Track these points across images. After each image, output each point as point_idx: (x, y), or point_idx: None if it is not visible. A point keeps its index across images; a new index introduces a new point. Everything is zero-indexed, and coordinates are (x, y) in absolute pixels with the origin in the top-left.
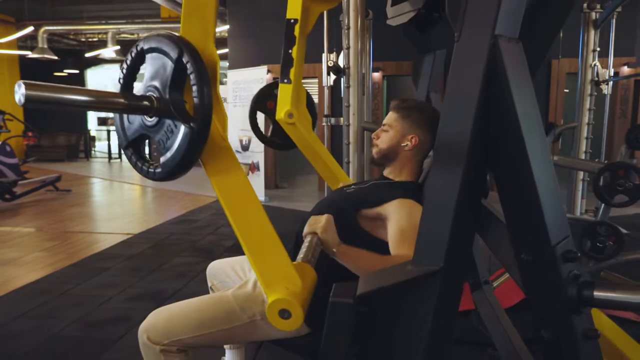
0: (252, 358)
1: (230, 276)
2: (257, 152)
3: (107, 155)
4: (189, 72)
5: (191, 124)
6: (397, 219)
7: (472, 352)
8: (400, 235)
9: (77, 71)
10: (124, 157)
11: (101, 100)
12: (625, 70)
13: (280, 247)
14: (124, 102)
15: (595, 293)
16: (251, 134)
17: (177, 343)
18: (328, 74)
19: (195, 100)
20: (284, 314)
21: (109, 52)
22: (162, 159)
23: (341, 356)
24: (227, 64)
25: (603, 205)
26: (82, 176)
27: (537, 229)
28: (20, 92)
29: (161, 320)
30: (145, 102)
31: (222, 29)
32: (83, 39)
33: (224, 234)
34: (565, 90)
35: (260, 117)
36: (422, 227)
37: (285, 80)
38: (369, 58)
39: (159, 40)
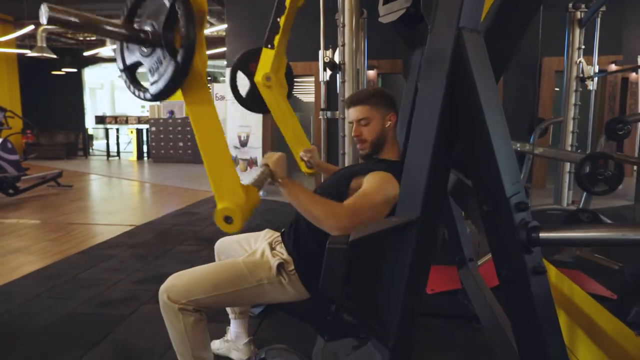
0: (255, 330)
1: (237, 251)
2: (256, 148)
3: (105, 154)
4: (179, 15)
5: (176, 57)
6: (366, 184)
7: (458, 325)
8: (357, 195)
9: (75, 70)
10: (122, 155)
11: (108, 29)
12: (613, 68)
13: (232, 170)
14: (125, 32)
15: (541, 234)
16: (250, 130)
17: (194, 303)
18: (324, 69)
19: (182, 39)
20: (228, 219)
21: (107, 50)
22: (150, 83)
23: (336, 293)
24: (225, 62)
25: (585, 193)
26: (82, 173)
27: (494, 184)
28: (44, 13)
29: (180, 281)
30: (142, 35)
31: (220, 27)
32: (81, 38)
33: None
34: (556, 89)
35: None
36: (402, 185)
37: (269, 46)
38: (363, 55)
39: None
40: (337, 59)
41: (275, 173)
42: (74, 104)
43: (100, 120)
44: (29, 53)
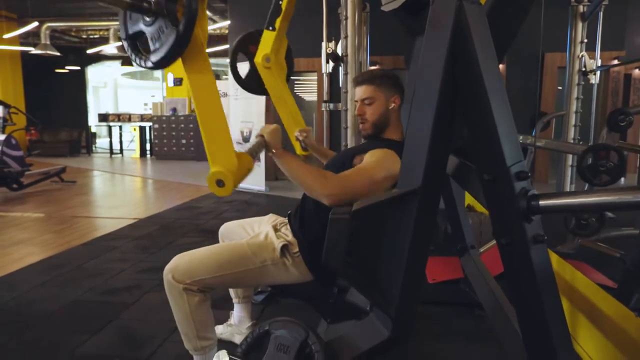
0: (258, 316)
1: (241, 235)
2: None
3: (108, 151)
4: None
5: (178, 27)
6: (365, 159)
7: (459, 312)
8: (354, 168)
9: (78, 67)
10: (125, 152)
11: None
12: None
13: (228, 137)
14: (128, 1)
15: (541, 202)
16: (252, 125)
17: (198, 283)
18: (327, 61)
19: (185, 9)
20: (220, 183)
21: (111, 48)
22: (152, 51)
23: (339, 263)
24: (228, 60)
25: (587, 185)
26: (85, 169)
27: (495, 152)
28: None
29: (184, 262)
30: (145, 4)
31: (223, 24)
32: (85, 36)
33: (228, 218)
34: (559, 88)
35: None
36: (404, 156)
37: (270, 28)
38: (366, 50)
39: None
40: (339, 51)
41: (270, 143)
42: (77, 102)
43: (103, 118)
44: (32, 50)
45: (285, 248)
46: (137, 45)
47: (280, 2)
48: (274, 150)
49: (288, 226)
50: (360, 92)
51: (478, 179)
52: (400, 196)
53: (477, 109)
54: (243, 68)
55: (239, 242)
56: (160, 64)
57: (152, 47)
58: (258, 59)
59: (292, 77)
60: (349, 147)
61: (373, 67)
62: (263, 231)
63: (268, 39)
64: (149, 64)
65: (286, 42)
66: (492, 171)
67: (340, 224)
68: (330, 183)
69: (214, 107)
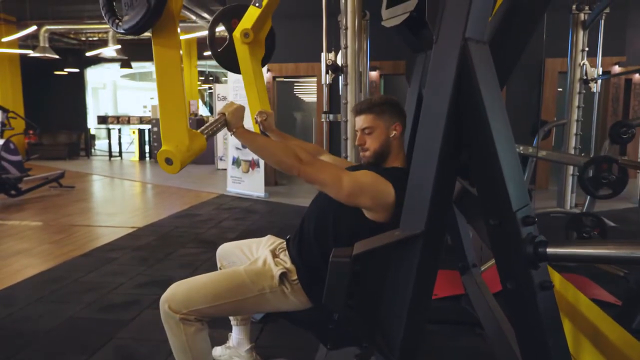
0: (257, 337)
1: (239, 257)
2: None
3: (107, 154)
4: None
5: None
6: (359, 172)
7: (460, 331)
8: (347, 175)
9: (77, 70)
10: (124, 155)
11: None
12: (616, 69)
13: (183, 115)
14: None
15: (548, 250)
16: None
17: (195, 313)
18: (327, 72)
19: None
20: (168, 161)
21: (110, 51)
22: (125, 19)
23: (340, 307)
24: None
25: (589, 197)
26: (84, 173)
27: (501, 197)
28: None
29: (181, 291)
30: None
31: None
32: (83, 38)
33: (227, 227)
34: (559, 90)
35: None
36: (407, 198)
37: (257, 4)
38: (366, 57)
39: None
40: (339, 62)
41: (230, 122)
42: (76, 104)
43: (102, 120)
44: (31, 53)
45: (283, 276)
46: (112, 7)
47: None
48: (234, 130)
49: (286, 252)
50: (360, 121)
51: (483, 220)
52: (403, 240)
53: (482, 151)
54: None
55: (236, 270)
56: (130, 32)
57: (124, 13)
58: (237, 32)
59: (292, 80)
60: (348, 158)
61: (372, 72)
62: (261, 257)
63: (252, 14)
64: (121, 30)
65: (270, 24)
66: (497, 216)
67: (341, 267)
68: (296, 155)
69: (174, 83)
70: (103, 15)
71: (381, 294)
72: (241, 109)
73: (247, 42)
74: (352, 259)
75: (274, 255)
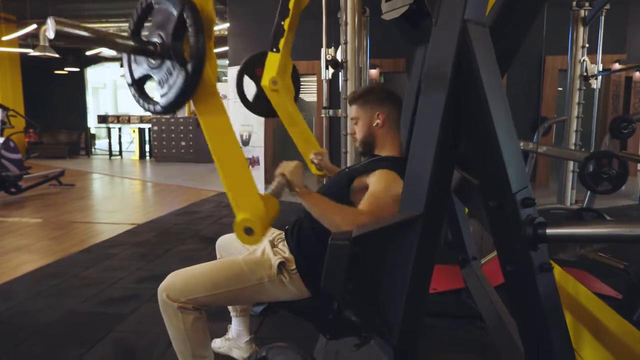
0: (256, 329)
1: (238, 248)
2: (258, 147)
3: (107, 153)
4: (189, 28)
5: (186, 67)
6: (374, 185)
7: (461, 325)
8: (369, 197)
9: (77, 69)
10: (124, 154)
11: (114, 41)
12: (617, 66)
13: (251, 179)
14: (132, 44)
15: (548, 231)
16: (252, 129)
17: (193, 301)
18: (326, 67)
19: (192, 49)
20: (248, 231)
21: (109, 50)
22: (160, 95)
23: (338, 291)
24: (227, 61)
25: (589, 192)
26: (84, 172)
27: (500, 180)
28: (51, 27)
29: (179, 280)
30: (150, 47)
31: (223, 27)
32: None
33: (227, 223)
34: (559, 89)
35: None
36: (406, 181)
37: (274, 50)
38: (365, 54)
39: None
40: (339, 57)
41: (292, 183)
42: (77, 104)
43: (102, 119)
44: (31, 52)
45: (282, 265)
46: (144, 90)
47: (283, 23)
48: (297, 190)
49: (285, 242)
50: (350, 112)
51: (482, 203)
52: (402, 222)
53: (481, 134)
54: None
55: (235, 259)
56: (170, 108)
57: (160, 92)
58: (265, 82)
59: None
60: (348, 153)
61: (372, 70)
62: (260, 247)
63: (273, 61)
64: (159, 109)
65: (291, 63)
66: (497, 198)
67: (340, 250)
68: (359, 220)
69: (232, 149)
70: (137, 101)
71: (380, 277)
72: (300, 167)
73: (277, 88)
74: (351, 241)
75: (273, 245)
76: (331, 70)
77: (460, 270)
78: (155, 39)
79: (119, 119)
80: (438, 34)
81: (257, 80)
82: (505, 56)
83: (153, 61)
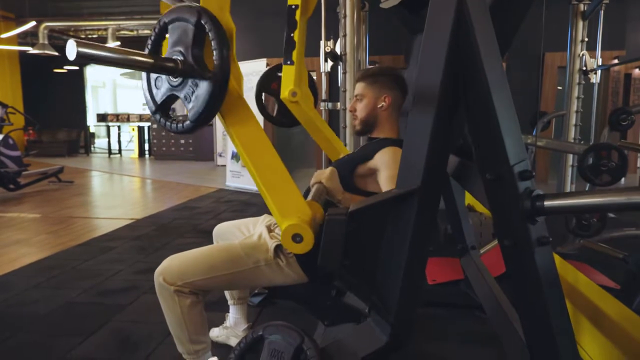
0: (254, 320)
1: (236, 235)
2: None
3: (106, 151)
4: (211, 38)
5: (211, 80)
6: (386, 168)
7: (460, 314)
8: (388, 180)
9: (77, 67)
10: (123, 152)
11: (133, 59)
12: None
13: (292, 184)
14: (152, 62)
15: (546, 203)
16: None
17: (190, 285)
18: (325, 60)
19: (216, 60)
20: (297, 237)
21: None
22: (189, 111)
23: (335, 266)
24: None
25: (588, 185)
26: (83, 169)
27: (498, 151)
28: (71, 48)
29: (175, 263)
30: (170, 64)
31: None
32: (83, 35)
33: (225, 218)
34: (559, 88)
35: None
36: (403, 156)
37: (289, 62)
38: (365, 49)
39: (179, 11)
40: (338, 50)
41: (331, 190)
42: (76, 102)
43: (102, 118)
44: (30, 50)
45: (279, 248)
46: (169, 113)
47: (292, 35)
48: (339, 198)
49: None
50: (356, 88)
51: (480, 178)
52: (399, 197)
53: (479, 106)
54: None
55: (231, 243)
56: (200, 119)
57: (188, 106)
58: (284, 94)
59: None
60: (347, 146)
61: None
62: (257, 232)
63: (289, 73)
64: (188, 124)
65: (306, 72)
66: (494, 170)
67: (336, 226)
68: None
69: (269, 155)
70: (162, 125)
71: (377, 254)
72: (334, 172)
73: (296, 100)
74: (348, 216)
75: (270, 230)
76: (330, 63)
77: (459, 263)
78: (176, 56)
79: (118, 117)
80: (435, 6)
81: (275, 94)
82: (504, 35)
83: (174, 79)
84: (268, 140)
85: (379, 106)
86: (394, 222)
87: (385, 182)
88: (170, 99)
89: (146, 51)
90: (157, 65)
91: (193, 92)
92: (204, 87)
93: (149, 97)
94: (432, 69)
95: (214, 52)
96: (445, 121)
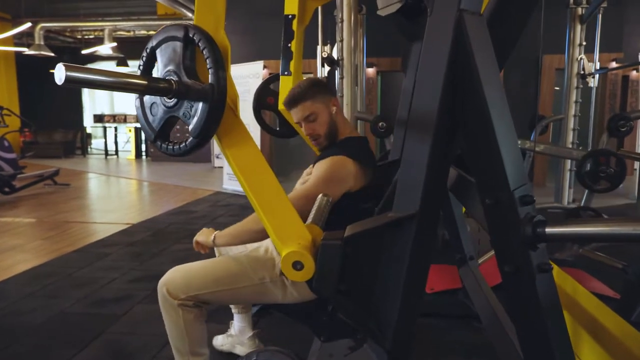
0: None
1: (237, 246)
2: None
3: (103, 152)
4: (205, 57)
5: (207, 97)
6: (313, 175)
7: (457, 325)
8: (313, 180)
9: None
10: (120, 154)
11: (125, 82)
12: (614, 65)
13: (291, 208)
14: (144, 83)
15: (547, 229)
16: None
17: (194, 298)
18: (322, 65)
19: (211, 80)
20: (297, 265)
21: (106, 49)
22: (192, 128)
23: (330, 292)
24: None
25: (587, 191)
26: (80, 171)
27: (498, 176)
28: (60, 73)
29: (180, 275)
30: (164, 84)
31: None
32: (79, 36)
33: (222, 223)
34: (556, 88)
35: None
36: (400, 179)
37: (286, 73)
38: (362, 52)
39: (164, 31)
40: (335, 55)
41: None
42: (72, 103)
43: (98, 119)
44: (26, 51)
45: None
46: (168, 139)
47: (290, 45)
48: (210, 242)
49: None
50: (299, 112)
51: (479, 201)
52: (396, 221)
53: (479, 128)
54: None
55: (237, 256)
56: (202, 133)
57: (189, 124)
58: (282, 106)
59: None
60: None
61: (369, 68)
62: (263, 245)
63: (287, 84)
64: (192, 142)
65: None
66: (494, 195)
67: (331, 250)
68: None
69: (266, 179)
70: (165, 151)
71: (374, 279)
72: (207, 231)
73: None
74: (343, 241)
75: None
76: (326, 67)
77: (457, 271)
78: (169, 77)
79: (115, 118)
80: (433, 24)
81: (272, 108)
82: (503, 49)
83: (169, 100)
84: (265, 162)
85: (333, 113)
86: (391, 246)
87: (311, 180)
88: (168, 122)
89: (139, 71)
90: (151, 87)
91: (192, 106)
92: (201, 103)
93: (146, 126)
94: (430, 90)
95: (210, 76)
96: (443, 144)
